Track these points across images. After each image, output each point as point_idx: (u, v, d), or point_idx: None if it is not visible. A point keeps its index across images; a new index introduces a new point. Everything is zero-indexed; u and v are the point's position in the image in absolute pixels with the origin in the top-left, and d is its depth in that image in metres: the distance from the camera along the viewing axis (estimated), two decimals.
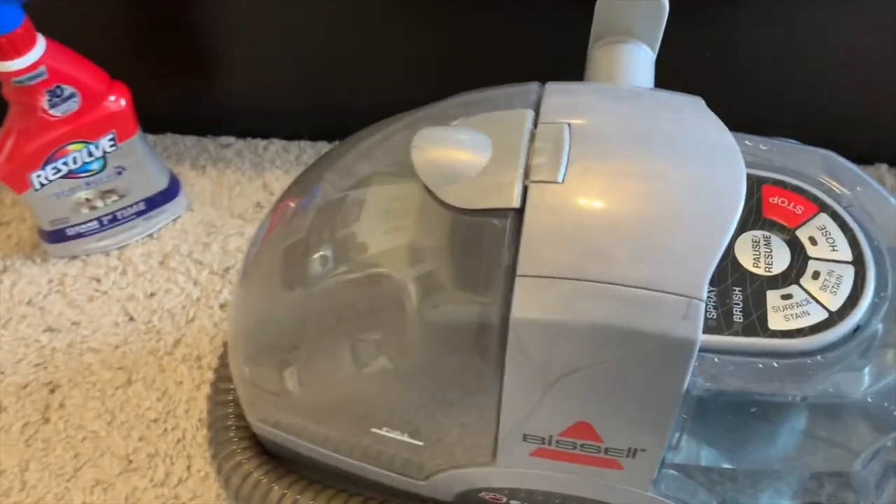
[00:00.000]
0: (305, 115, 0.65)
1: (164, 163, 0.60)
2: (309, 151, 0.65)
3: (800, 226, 0.36)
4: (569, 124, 0.33)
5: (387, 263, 0.35)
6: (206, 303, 0.56)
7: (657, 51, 0.42)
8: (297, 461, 0.44)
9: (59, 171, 0.54)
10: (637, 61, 0.40)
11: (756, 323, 0.33)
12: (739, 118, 0.35)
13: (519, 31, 0.57)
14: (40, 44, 0.50)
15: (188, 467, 0.49)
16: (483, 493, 0.40)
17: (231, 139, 0.66)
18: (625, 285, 0.30)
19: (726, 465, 0.37)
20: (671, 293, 0.30)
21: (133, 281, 0.57)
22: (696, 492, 0.37)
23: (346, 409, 0.39)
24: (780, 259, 0.35)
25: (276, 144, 0.65)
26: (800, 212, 0.36)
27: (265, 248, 0.40)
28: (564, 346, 0.31)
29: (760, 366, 0.32)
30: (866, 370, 0.33)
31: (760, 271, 0.34)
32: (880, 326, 0.33)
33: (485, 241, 0.32)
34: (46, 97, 0.51)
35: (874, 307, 0.33)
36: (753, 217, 0.36)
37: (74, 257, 0.59)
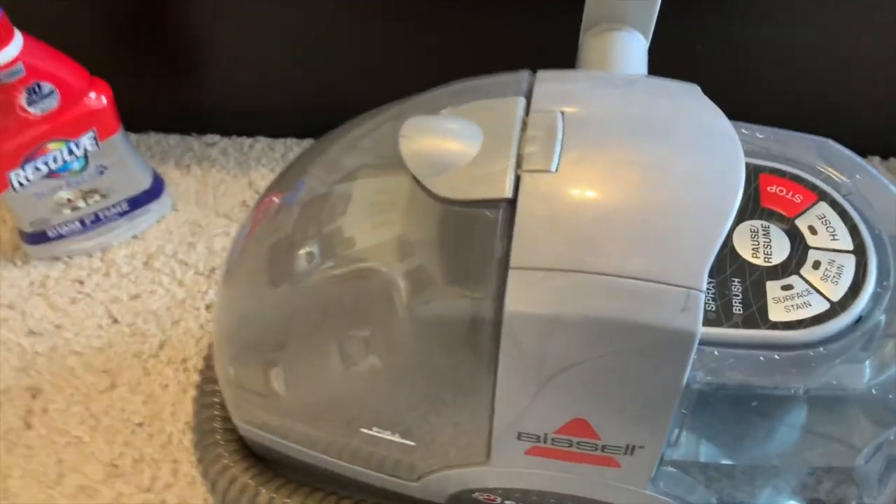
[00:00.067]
0: (291, 112, 0.64)
1: (147, 162, 0.60)
2: (295, 149, 0.65)
3: (799, 215, 0.35)
4: (562, 112, 0.33)
5: (375, 258, 0.34)
6: (192, 304, 0.55)
7: (650, 39, 0.41)
8: (285, 464, 0.43)
9: (39, 170, 0.53)
10: (630, 49, 0.40)
11: (756, 314, 0.32)
12: (731, 111, 0.35)
13: (518, 32, 0.57)
14: (17, 40, 0.49)
15: (175, 472, 0.48)
16: (477, 494, 0.40)
17: (216, 137, 0.65)
18: (622, 277, 0.30)
19: (726, 462, 0.37)
20: (670, 284, 0.30)
21: (117, 282, 0.57)
22: (694, 489, 0.37)
23: (335, 410, 0.38)
24: (780, 249, 0.34)
25: (262, 142, 0.65)
26: (798, 200, 0.36)
27: (249, 245, 0.39)
28: (560, 340, 0.31)
29: (761, 358, 0.32)
30: (869, 362, 0.32)
31: (760, 262, 0.34)
32: (883, 317, 0.33)
33: (476, 233, 0.31)
34: (25, 94, 0.50)
35: (876, 297, 0.33)
36: (751, 206, 0.35)
37: (56, 259, 0.58)
